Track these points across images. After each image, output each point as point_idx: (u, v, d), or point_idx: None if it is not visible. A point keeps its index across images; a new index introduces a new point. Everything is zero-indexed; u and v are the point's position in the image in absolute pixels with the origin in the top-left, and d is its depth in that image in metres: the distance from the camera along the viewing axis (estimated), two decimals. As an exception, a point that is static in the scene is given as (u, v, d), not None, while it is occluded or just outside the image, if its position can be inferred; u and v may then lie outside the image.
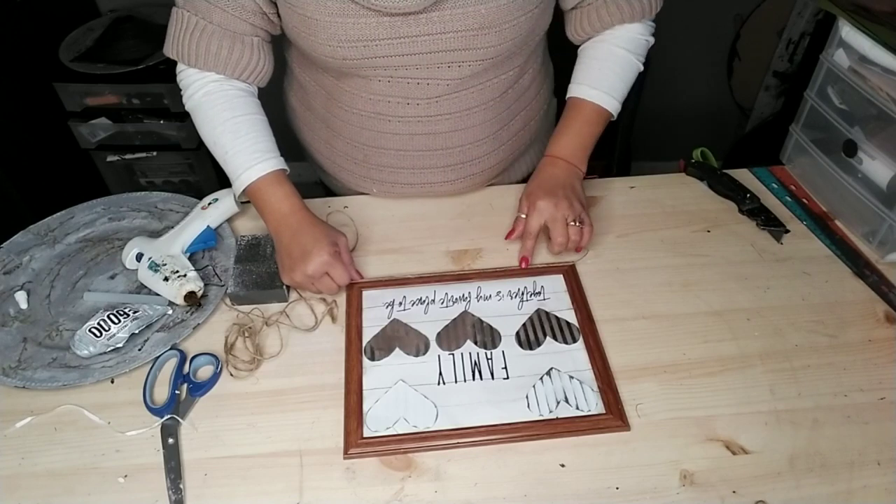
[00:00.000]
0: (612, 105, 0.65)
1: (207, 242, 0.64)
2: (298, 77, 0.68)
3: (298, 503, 0.46)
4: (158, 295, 0.60)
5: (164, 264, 0.60)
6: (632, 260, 0.64)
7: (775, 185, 0.73)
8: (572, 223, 0.60)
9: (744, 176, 0.73)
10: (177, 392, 0.53)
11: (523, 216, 0.62)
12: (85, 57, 1.19)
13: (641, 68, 0.67)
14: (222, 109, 0.60)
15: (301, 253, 0.57)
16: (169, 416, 0.51)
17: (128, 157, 1.27)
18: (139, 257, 0.62)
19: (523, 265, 0.62)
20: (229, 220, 0.69)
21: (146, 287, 0.62)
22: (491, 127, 0.66)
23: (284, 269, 0.59)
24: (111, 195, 0.72)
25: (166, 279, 0.59)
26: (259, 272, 0.60)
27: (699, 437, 0.49)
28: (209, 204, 0.66)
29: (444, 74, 0.59)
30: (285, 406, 0.52)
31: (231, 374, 0.54)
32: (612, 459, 0.48)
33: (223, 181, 0.70)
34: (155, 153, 1.27)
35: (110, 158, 1.27)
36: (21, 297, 0.61)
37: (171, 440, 0.49)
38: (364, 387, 0.52)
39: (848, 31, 0.64)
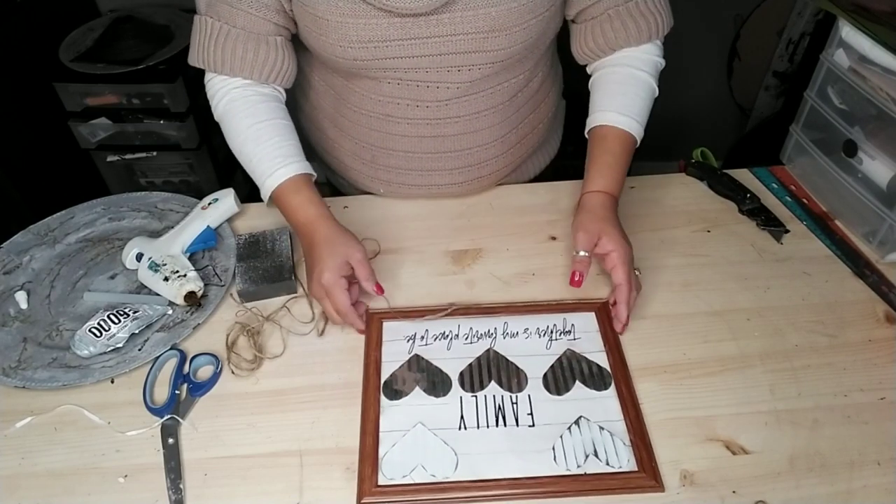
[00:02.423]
0: (640, 133, 0.62)
1: (207, 242, 0.64)
2: (308, 76, 0.68)
3: (298, 503, 0.46)
4: (159, 295, 0.60)
5: (164, 264, 0.60)
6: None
7: (775, 185, 0.73)
8: (636, 271, 0.56)
9: (744, 176, 0.73)
10: (177, 392, 0.53)
11: (584, 254, 0.56)
12: (85, 57, 1.19)
13: (657, 92, 0.63)
14: (244, 116, 0.59)
15: (311, 269, 0.56)
16: (169, 416, 0.51)
17: (128, 157, 1.27)
18: (139, 257, 0.62)
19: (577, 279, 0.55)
20: (229, 220, 0.69)
21: (146, 287, 0.62)
22: (500, 130, 0.66)
23: (307, 279, 0.58)
24: (111, 195, 0.72)
25: (166, 279, 0.58)
26: (265, 267, 0.60)
27: (699, 437, 0.49)
28: (209, 204, 0.66)
29: (454, 77, 0.58)
30: (285, 406, 0.52)
31: (233, 373, 0.54)
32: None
33: (223, 181, 0.70)
34: (155, 153, 1.27)
35: (110, 158, 1.27)
36: (21, 297, 0.61)
37: (171, 440, 0.49)
38: (381, 428, 0.49)
39: (848, 31, 0.64)
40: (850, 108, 0.65)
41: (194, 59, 0.60)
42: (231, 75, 0.60)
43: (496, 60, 0.58)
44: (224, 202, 0.66)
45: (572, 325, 0.57)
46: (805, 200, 0.71)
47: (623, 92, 0.61)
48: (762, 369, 0.54)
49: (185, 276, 0.59)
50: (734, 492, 0.46)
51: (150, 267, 0.60)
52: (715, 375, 0.53)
